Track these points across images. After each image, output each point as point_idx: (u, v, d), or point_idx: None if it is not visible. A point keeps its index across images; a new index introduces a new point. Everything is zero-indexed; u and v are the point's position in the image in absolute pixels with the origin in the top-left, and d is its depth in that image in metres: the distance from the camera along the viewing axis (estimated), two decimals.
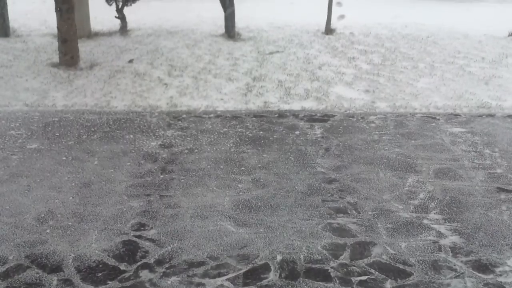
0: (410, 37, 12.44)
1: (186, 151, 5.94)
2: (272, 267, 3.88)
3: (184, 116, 7.08)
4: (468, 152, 6.03)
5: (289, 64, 9.77)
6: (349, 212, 4.68)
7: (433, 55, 10.68)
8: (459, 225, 4.49)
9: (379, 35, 12.64)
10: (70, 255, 3.97)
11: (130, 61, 9.58)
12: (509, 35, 12.81)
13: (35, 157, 5.68)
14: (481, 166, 5.68)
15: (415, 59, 10.37)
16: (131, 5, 12.32)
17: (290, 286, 3.66)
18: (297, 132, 6.53)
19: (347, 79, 8.91)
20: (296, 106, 7.58)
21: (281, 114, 7.21)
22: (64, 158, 5.69)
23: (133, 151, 5.91)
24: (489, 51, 11.25)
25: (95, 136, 6.31)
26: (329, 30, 12.73)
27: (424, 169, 5.57)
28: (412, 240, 4.27)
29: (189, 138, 6.30)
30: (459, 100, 7.95)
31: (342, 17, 13.54)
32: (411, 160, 5.79)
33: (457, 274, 3.84)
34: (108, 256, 3.98)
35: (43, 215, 4.52)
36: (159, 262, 3.92)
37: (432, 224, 4.51)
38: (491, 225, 4.51)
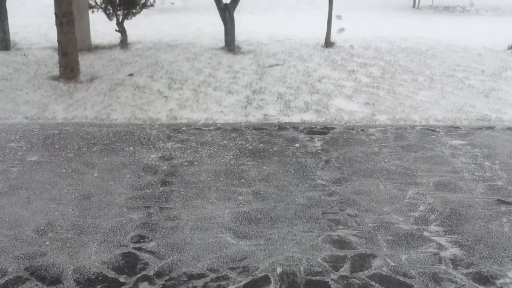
0: (409, 50, 12.48)
1: (186, 163, 5.94)
2: (272, 279, 3.86)
3: (184, 128, 7.08)
4: (468, 164, 6.03)
5: (289, 77, 9.79)
6: (349, 224, 4.67)
7: (432, 68, 10.71)
8: (459, 237, 4.48)
9: (379, 48, 12.68)
10: (70, 267, 3.96)
11: (130, 74, 9.60)
12: (508, 48, 12.86)
13: (35, 170, 5.68)
14: (481, 178, 5.68)
15: (414, 72, 10.39)
16: (131, 18, 12.38)
17: None
18: (297, 145, 6.54)
19: (347, 92, 8.93)
20: (296, 118, 7.59)
21: (281, 127, 7.21)
22: (64, 170, 5.69)
23: (133, 163, 5.91)
24: (488, 64, 11.28)
25: (95, 148, 6.31)
26: (328, 43, 12.78)
27: (424, 181, 5.57)
28: (412, 252, 4.25)
29: (189, 151, 6.30)
30: (458, 113, 7.96)
31: (341, 30, 13.61)
32: (411, 172, 5.78)
33: (458, 286, 3.82)
34: (108, 268, 3.97)
35: (42, 227, 4.51)
36: (159, 274, 3.90)
37: (433, 236, 4.50)
38: (492, 237, 4.50)
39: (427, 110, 8.07)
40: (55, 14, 8.96)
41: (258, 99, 8.39)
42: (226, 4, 11.94)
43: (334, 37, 13.06)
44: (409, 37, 14.28)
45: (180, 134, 6.85)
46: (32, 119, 7.35)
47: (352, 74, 10.11)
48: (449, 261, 4.13)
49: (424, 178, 5.64)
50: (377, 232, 4.54)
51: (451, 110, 8.10)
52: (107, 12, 12.08)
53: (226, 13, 11.90)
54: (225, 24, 12.04)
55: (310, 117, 7.63)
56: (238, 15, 12.51)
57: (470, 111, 8.05)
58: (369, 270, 4.00)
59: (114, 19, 12.12)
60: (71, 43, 9.08)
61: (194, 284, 3.79)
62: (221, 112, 7.80)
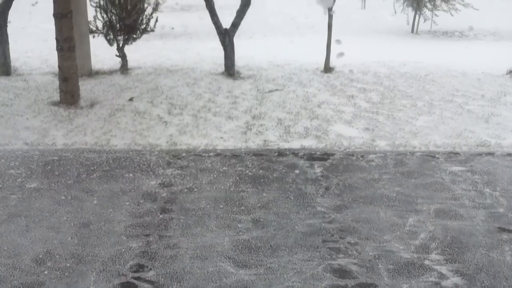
0: (408, 75, 12.52)
1: (185, 190, 5.93)
2: None
3: (183, 154, 7.08)
4: (468, 191, 6.01)
5: (289, 102, 9.81)
6: (350, 252, 4.65)
7: (431, 93, 10.73)
8: (460, 266, 4.46)
9: (378, 73, 12.73)
10: None
11: (131, 99, 9.63)
12: (507, 73, 12.89)
13: (34, 197, 5.67)
14: (481, 205, 5.66)
15: (413, 97, 10.41)
16: (131, 43, 12.43)
17: None
18: (296, 171, 6.53)
19: (347, 117, 8.94)
20: (295, 144, 7.59)
21: (281, 153, 7.21)
22: (63, 197, 5.67)
23: (133, 190, 5.89)
24: (487, 89, 11.30)
25: (95, 175, 6.30)
26: (328, 69, 12.82)
27: (424, 208, 5.55)
28: (413, 281, 4.23)
29: (188, 177, 6.29)
30: (458, 139, 7.96)
31: (341, 54, 13.66)
32: (412, 199, 5.77)
33: None
34: None
35: (41, 256, 4.49)
36: None
37: (434, 265, 4.47)
38: (493, 265, 4.47)
39: (426, 135, 8.08)
40: (56, 39, 9.00)
41: (258, 125, 8.40)
42: (225, 29, 12.00)
43: (333, 62, 13.10)
44: (408, 62, 14.33)
45: (179, 161, 6.85)
46: (32, 145, 7.34)
47: (351, 99, 10.13)
48: None
49: (425, 205, 5.63)
50: (377, 260, 4.52)
51: (451, 135, 8.10)
52: (108, 37, 12.13)
53: (226, 38, 11.96)
54: (224, 49, 12.09)
55: (310, 143, 7.63)
56: (238, 40, 12.56)
57: (469, 137, 8.05)
58: None
59: (115, 44, 12.17)
60: (71, 68, 9.11)
61: None
62: (221, 137, 7.80)
